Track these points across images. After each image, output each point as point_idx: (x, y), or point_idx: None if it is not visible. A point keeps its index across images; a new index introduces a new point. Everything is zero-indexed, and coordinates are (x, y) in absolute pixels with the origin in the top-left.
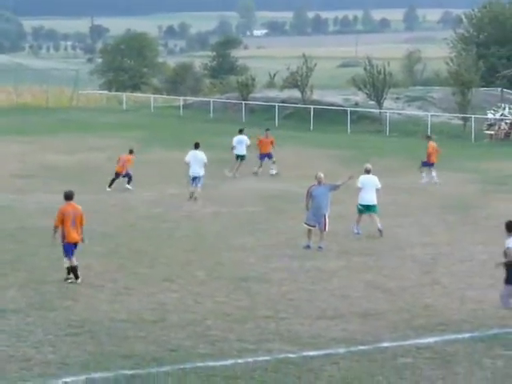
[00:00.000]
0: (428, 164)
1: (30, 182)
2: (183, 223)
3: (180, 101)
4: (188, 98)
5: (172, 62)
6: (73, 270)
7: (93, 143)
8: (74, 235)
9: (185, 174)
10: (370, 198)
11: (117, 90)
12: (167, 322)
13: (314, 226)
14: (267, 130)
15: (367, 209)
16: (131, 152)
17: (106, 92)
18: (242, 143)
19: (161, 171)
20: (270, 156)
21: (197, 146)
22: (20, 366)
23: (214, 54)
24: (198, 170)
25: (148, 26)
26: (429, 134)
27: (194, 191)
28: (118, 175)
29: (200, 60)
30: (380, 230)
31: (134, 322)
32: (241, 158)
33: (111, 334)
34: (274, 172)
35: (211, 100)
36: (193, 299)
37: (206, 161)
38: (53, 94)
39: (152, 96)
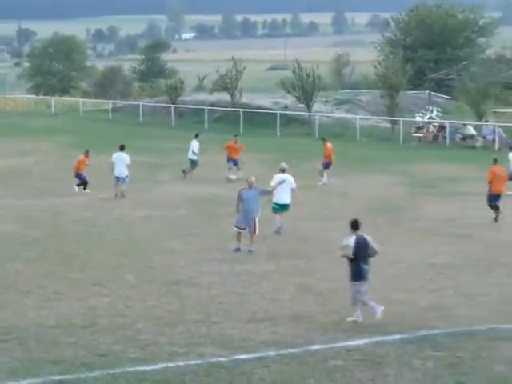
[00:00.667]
0: (328, 165)
1: None
2: (114, 227)
3: (109, 104)
4: (117, 101)
5: (101, 65)
6: None
7: (21, 147)
8: None
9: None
10: (285, 197)
11: (45, 94)
12: (97, 327)
13: (244, 229)
14: (236, 135)
15: (282, 208)
16: (86, 153)
17: (34, 96)
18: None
19: (90, 175)
20: (235, 163)
21: (122, 148)
22: None
23: (143, 57)
24: (121, 170)
25: (76, 29)
26: (324, 136)
27: (118, 190)
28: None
29: (129, 63)
30: (278, 231)
31: (64, 327)
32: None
33: (40, 340)
34: (233, 177)
35: (140, 103)
36: (123, 303)
37: (128, 162)
38: None
39: (81, 100)
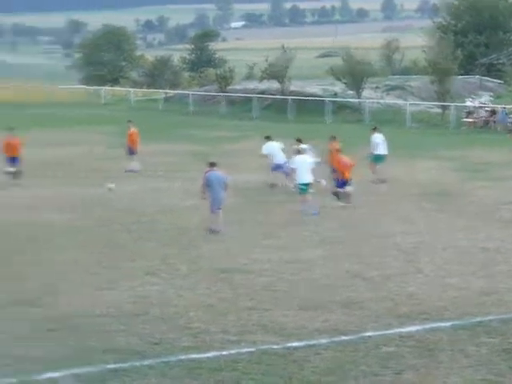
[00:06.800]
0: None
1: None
2: (163, 216)
3: (159, 94)
4: (167, 91)
5: (150, 55)
6: None
7: (71, 137)
8: None
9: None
10: (308, 176)
11: (96, 85)
12: (149, 315)
13: None
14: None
15: (307, 187)
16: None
17: (84, 86)
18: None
19: (141, 164)
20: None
21: (270, 138)
22: (3, 362)
23: (193, 46)
24: (281, 158)
25: (126, 20)
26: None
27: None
28: None
29: (179, 53)
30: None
31: (116, 316)
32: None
33: (93, 329)
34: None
35: (190, 93)
36: (175, 292)
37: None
38: (32, 89)
39: (132, 90)
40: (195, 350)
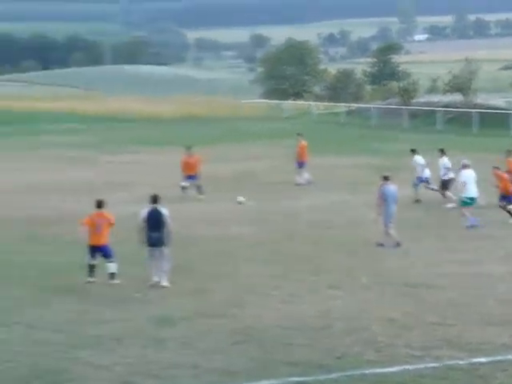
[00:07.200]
0: None
1: (190, 191)
2: (348, 229)
3: (341, 107)
4: (349, 104)
5: (333, 69)
6: (89, 267)
7: (251, 151)
8: (97, 238)
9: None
10: (475, 190)
11: (277, 99)
12: (333, 329)
13: None
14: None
15: (473, 201)
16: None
17: (266, 101)
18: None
19: (322, 177)
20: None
21: (415, 152)
22: (189, 373)
23: (375, 60)
24: (427, 172)
25: (308, 34)
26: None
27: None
28: None
29: (361, 66)
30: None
31: (300, 329)
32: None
33: (277, 341)
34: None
35: (372, 106)
36: (358, 306)
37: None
38: (217, 103)
39: (313, 103)
40: (379, 365)
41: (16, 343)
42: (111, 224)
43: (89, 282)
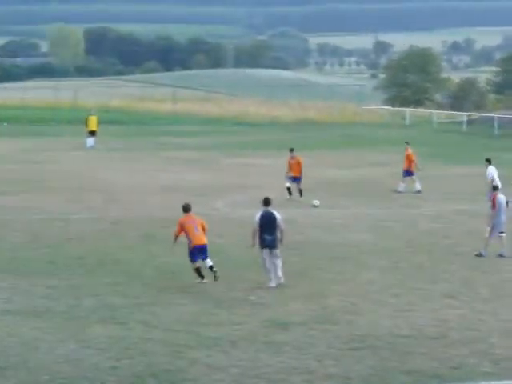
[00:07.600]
0: None
1: (310, 196)
2: (465, 239)
3: (463, 116)
4: (471, 113)
5: (456, 77)
6: (197, 270)
7: (372, 158)
8: (199, 238)
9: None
10: None
11: (400, 106)
12: (449, 339)
13: None
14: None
15: None
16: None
17: (388, 107)
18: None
19: (442, 187)
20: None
21: (490, 162)
22: (303, 378)
23: (499, 69)
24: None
25: (432, 41)
26: None
27: None
28: None
29: (484, 75)
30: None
31: (416, 338)
32: None
33: (393, 350)
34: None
35: (495, 116)
36: (476, 316)
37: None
38: (337, 109)
39: (435, 111)
40: (496, 377)
41: (133, 341)
42: (204, 226)
43: (201, 282)
